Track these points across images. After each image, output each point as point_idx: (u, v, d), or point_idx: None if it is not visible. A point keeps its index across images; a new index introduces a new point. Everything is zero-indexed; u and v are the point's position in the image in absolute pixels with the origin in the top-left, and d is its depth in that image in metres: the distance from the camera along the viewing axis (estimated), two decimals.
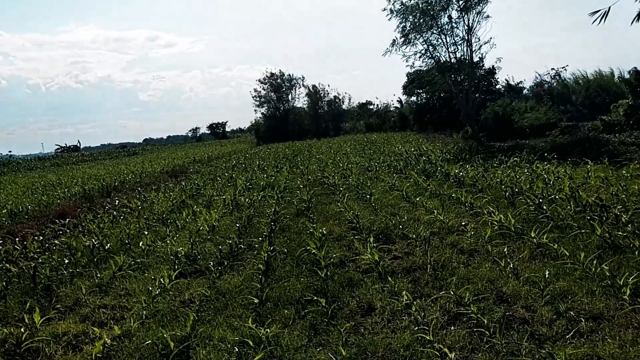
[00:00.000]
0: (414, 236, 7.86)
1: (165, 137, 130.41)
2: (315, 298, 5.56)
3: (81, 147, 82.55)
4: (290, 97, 58.64)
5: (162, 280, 6.64)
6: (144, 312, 5.74)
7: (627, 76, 28.39)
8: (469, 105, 25.88)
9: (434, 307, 5.20)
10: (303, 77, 59.91)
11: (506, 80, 44.44)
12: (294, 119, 57.60)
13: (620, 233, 6.58)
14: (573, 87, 41.64)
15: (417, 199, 10.74)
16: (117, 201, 14.74)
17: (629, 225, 6.89)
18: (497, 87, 42.68)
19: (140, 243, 8.78)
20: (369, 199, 11.27)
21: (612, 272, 5.25)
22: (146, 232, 9.78)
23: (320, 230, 8.32)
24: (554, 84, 44.90)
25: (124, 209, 13.25)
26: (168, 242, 9.03)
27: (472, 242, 7.37)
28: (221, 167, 24.88)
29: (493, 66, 37.78)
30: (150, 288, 6.33)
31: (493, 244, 7.12)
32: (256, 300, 5.79)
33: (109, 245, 8.91)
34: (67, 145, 79.02)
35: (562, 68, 44.30)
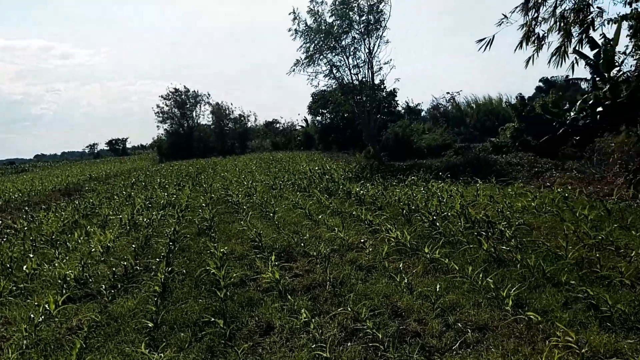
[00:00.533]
0: (315, 254, 7.93)
1: (59, 154, 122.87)
2: (214, 319, 5.44)
3: None
4: (194, 114, 57.52)
5: (47, 306, 6.19)
6: (25, 341, 5.31)
7: (513, 101, 30.84)
8: (370, 125, 26.74)
9: (332, 324, 5.26)
10: (208, 94, 59.17)
11: (406, 102, 46.63)
12: (198, 136, 56.45)
13: (504, 247, 7.05)
14: (466, 110, 44.46)
15: (320, 216, 10.87)
16: (0, 221, 13.62)
17: (512, 240, 7.42)
18: (398, 108, 44.59)
19: (24, 267, 8.15)
20: (272, 217, 11.24)
21: (496, 285, 5.60)
22: (32, 255, 9.11)
23: (222, 250, 8.17)
24: (449, 107, 47.69)
25: (8, 230, 12.28)
26: (56, 264, 8.45)
27: (370, 258, 7.56)
28: (119, 185, 23.81)
29: (394, 89, 39.56)
30: (32, 315, 5.87)
31: (390, 259, 7.34)
32: (151, 324, 5.55)
33: None
34: None
35: (456, 92, 47.18)
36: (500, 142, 25.06)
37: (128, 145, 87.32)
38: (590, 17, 7.83)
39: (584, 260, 6.36)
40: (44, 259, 8.99)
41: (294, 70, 26.57)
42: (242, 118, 59.05)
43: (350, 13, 25.20)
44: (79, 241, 10.42)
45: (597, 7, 7.71)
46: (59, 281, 7.32)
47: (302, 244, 8.59)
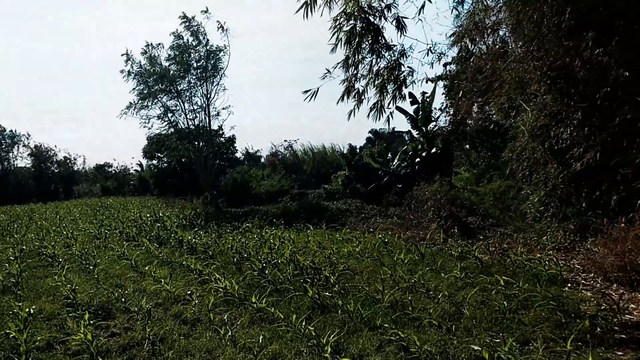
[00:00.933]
0: (137, 309, 7.42)
1: None
2: None
3: None
4: (11, 155, 51.86)
5: None
6: None
7: (345, 151, 32.82)
8: (207, 171, 26.46)
9: None
10: (28, 134, 53.69)
11: (246, 148, 47.15)
12: (15, 180, 50.82)
13: (327, 294, 7.25)
14: (303, 158, 46.16)
15: (147, 268, 10.27)
16: None
17: (336, 286, 7.67)
18: (237, 155, 44.86)
19: None
20: (92, 270, 10.34)
21: (317, 332, 5.69)
22: None
23: (27, 310, 7.25)
24: (287, 155, 49.18)
25: None
26: None
27: (196, 311, 7.27)
28: None
29: (233, 135, 39.66)
30: None
31: (217, 311, 7.13)
32: None
33: None
34: None
35: (294, 140, 48.85)
36: (333, 189, 26.30)
37: None
38: (402, 75, 8.62)
39: (398, 303, 6.78)
40: None
41: (126, 114, 25.56)
42: (68, 161, 54.68)
43: (187, 59, 25.16)
44: None
45: (408, 67, 8.52)
46: None
47: (124, 299, 7.99)
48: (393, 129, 39.67)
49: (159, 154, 42.15)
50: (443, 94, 22.35)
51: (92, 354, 5.80)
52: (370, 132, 63.55)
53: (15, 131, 52.06)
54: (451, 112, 20.69)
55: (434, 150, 22.87)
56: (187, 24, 25.11)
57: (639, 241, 7.11)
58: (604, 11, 8.56)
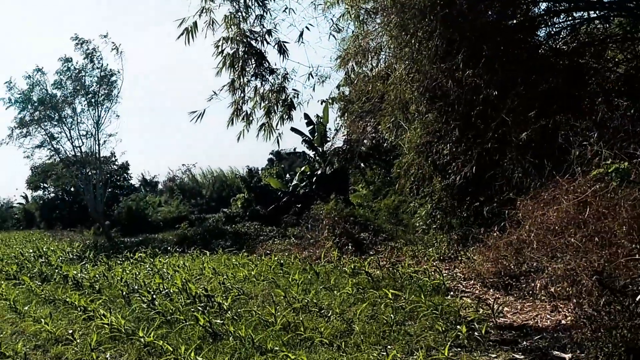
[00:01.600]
0: (13, 353, 6.84)
1: None
2: None
3: None
4: None
5: None
6: None
7: (244, 173, 32.60)
8: (97, 200, 25.15)
9: None
10: None
11: (142, 174, 45.37)
12: None
13: (218, 321, 7.10)
14: (202, 182, 45.20)
15: (26, 307, 9.51)
16: None
17: (229, 312, 7.54)
18: (132, 182, 43.04)
19: None
20: None
21: None
22: None
23: None
24: (185, 179, 47.96)
25: None
26: None
27: (78, 350, 6.82)
28: None
29: (126, 161, 38.03)
30: None
31: (101, 349, 6.74)
32: None
33: None
34: None
35: (192, 164, 47.74)
36: (233, 212, 25.96)
37: None
38: (289, 98, 8.78)
39: (290, 324, 6.78)
40: None
41: (6, 142, 23.85)
42: None
43: (77, 83, 23.97)
44: None
45: (293, 90, 8.70)
46: None
47: None
48: (294, 149, 39.98)
49: (44, 184, 39.52)
50: (337, 115, 22.95)
51: None
52: (271, 153, 63.62)
53: None
54: (345, 132, 21.29)
55: (330, 169, 23.34)
56: (80, 46, 23.95)
57: (510, 248, 7.65)
58: (471, 35, 9.24)
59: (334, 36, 9.99)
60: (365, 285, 8.56)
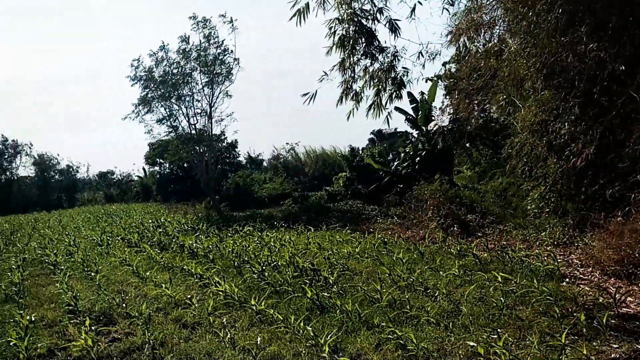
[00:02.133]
0: (137, 314, 7.46)
1: None
2: None
3: None
4: (14, 165, 52.03)
5: None
6: None
7: (346, 152, 32.85)
8: (209, 176, 26.53)
9: None
10: (31, 143, 53.85)
11: (247, 152, 47.19)
12: (18, 189, 50.99)
13: (326, 294, 7.27)
14: (305, 160, 46.19)
15: (148, 273, 10.32)
16: None
17: (335, 286, 7.70)
18: (239, 159, 44.92)
19: None
20: (94, 276, 10.40)
21: (315, 332, 5.72)
22: None
23: (28, 317, 7.30)
24: (289, 158, 49.22)
25: None
26: None
27: (196, 314, 7.31)
28: None
29: (235, 139, 39.68)
30: None
31: (216, 314, 7.17)
32: None
33: None
34: None
35: (296, 143, 48.81)
36: (335, 191, 26.31)
37: None
38: (398, 76, 8.68)
39: (396, 302, 6.80)
40: None
41: (130, 117, 25.75)
42: (71, 169, 54.86)
43: (193, 63, 25.21)
44: None
45: (403, 68, 8.58)
46: None
47: (125, 305, 8.03)
48: (395, 129, 39.63)
49: (160, 160, 42.31)
50: (443, 93, 22.35)
51: (93, 359, 5.84)
52: (372, 133, 63.43)
53: (17, 141, 52.26)
54: (452, 111, 20.71)
55: (434, 149, 22.85)
56: (197, 26, 24.98)
57: (635, 234, 7.12)
58: (596, 6, 8.57)
59: (447, 10, 9.66)
60: (473, 268, 8.37)
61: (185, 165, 37.19)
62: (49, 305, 8.64)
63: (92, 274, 10.63)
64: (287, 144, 49.96)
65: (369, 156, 26.47)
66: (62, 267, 11.69)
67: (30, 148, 52.82)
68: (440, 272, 8.21)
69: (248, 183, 32.07)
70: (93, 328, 6.81)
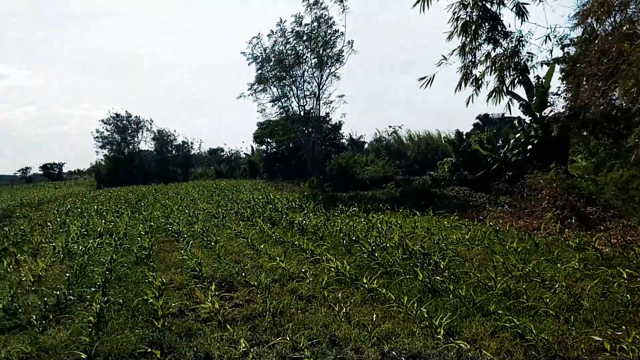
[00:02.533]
0: (256, 283, 7.95)
1: None
2: (150, 350, 5.37)
3: None
4: (136, 139, 56.35)
5: None
6: None
7: (452, 137, 32.10)
8: (315, 156, 27.15)
9: (271, 354, 5.31)
10: (151, 120, 58.04)
11: (350, 134, 47.55)
12: (139, 162, 55.21)
13: (438, 278, 7.33)
14: (407, 144, 45.73)
15: (262, 246, 10.91)
16: None
17: (446, 271, 7.72)
18: (342, 140, 45.41)
19: None
20: (214, 246, 11.18)
21: (429, 314, 5.83)
22: None
23: (160, 279, 8.06)
24: (391, 141, 48.97)
25: None
26: None
27: (310, 288, 7.66)
28: (54, 211, 22.91)
29: (339, 121, 40.13)
30: None
31: (330, 289, 7.48)
32: (84, 356, 5.41)
33: None
34: None
35: (399, 127, 48.44)
36: (439, 176, 25.92)
37: (64, 170, 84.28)
38: (522, 61, 8.43)
39: (511, 291, 6.71)
40: None
41: (244, 95, 26.89)
42: (186, 145, 58.40)
43: (304, 45, 25.75)
44: (8, 270, 9.97)
45: (528, 53, 8.29)
46: None
47: (243, 274, 8.59)
48: (502, 114, 38.10)
49: (268, 139, 43.81)
50: (560, 78, 21.08)
51: (220, 321, 6.36)
52: (478, 117, 61.35)
53: (139, 117, 56.43)
54: (569, 97, 19.54)
55: (548, 136, 21.74)
56: (310, 7, 25.40)
57: None
58: None
59: None
60: (594, 262, 8.01)
61: (291, 145, 38.25)
62: (175, 270, 9.44)
63: (212, 243, 11.42)
64: (390, 126, 49.79)
65: (477, 142, 25.73)
66: (185, 236, 12.66)
67: (150, 124, 56.93)
68: (558, 265, 7.95)
69: (350, 165, 32.39)
70: (216, 293, 7.41)
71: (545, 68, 21.39)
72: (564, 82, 20.47)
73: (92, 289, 8.11)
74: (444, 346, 5.17)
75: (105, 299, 7.46)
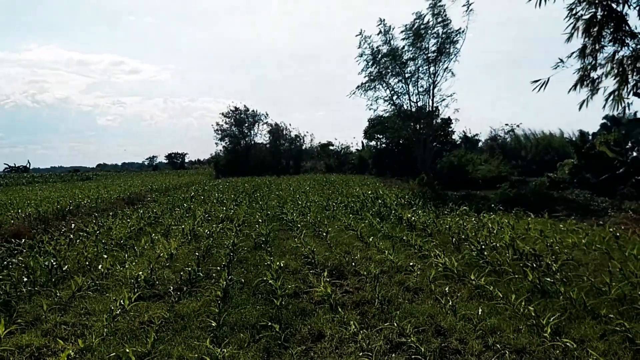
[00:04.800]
0: (365, 273, 8.36)
1: (120, 164, 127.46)
2: (270, 324, 5.97)
3: (30, 167, 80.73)
4: (252, 132, 59.27)
5: (121, 302, 6.91)
6: (105, 329, 6.01)
7: (575, 137, 30.35)
8: (425, 153, 27.02)
9: (379, 337, 5.68)
10: (266, 113, 60.77)
11: (463, 132, 46.50)
12: (254, 154, 58.02)
13: (549, 280, 7.27)
14: (525, 143, 43.81)
15: (371, 239, 11.29)
16: (72, 225, 14.75)
17: (558, 274, 7.63)
18: (453, 137, 44.50)
19: (99, 266, 8.99)
20: (325, 236, 11.77)
21: (537, 313, 5.89)
22: (105, 256, 9.96)
23: (277, 263, 8.75)
24: (507, 139, 47.18)
25: (81, 233, 13.29)
26: (127, 266, 9.25)
27: (417, 281, 7.93)
28: (179, 197, 24.97)
29: (449, 117, 39.47)
30: (112, 307, 6.61)
31: (437, 283, 7.70)
32: (214, 324, 6.14)
33: (67, 266, 9.09)
34: (16, 165, 77.19)
35: (516, 125, 46.55)
36: (558, 178, 24.75)
37: (186, 160, 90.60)
38: None
39: (626, 296, 6.53)
40: (116, 261, 9.80)
41: (354, 93, 27.34)
42: (298, 139, 60.35)
43: (419, 41, 25.65)
44: (145, 247, 11.24)
45: None
46: (131, 281, 8.07)
47: (353, 264, 9.05)
48: (634, 114, 35.21)
49: (378, 135, 44.10)
50: None
51: (332, 304, 6.85)
52: (605, 117, 57.01)
53: (256, 111, 59.23)
54: None
55: None
56: (432, 7, 25.35)
57: None
58: None
59: None
60: None
61: (401, 141, 38.23)
62: (290, 256, 10.12)
63: (323, 234, 12.02)
64: (507, 124, 47.95)
65: (603, 143, 24.13)
66: (298, 225, 13.39)
67: (266, 117, 59.57)
68: None
69: (463, 163, 31.76)
70: (328, 279, 7.92)
71: None
72: None
73: (218, 268, 8.98)
74: (549, 344, 5.24)
75: (229, 277, 8.26)
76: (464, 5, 24.40)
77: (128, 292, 7.29)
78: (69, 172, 77.55)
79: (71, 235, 12.46)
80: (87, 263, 9.47)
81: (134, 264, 9.54)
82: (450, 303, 6.53)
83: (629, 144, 23.38)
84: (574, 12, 7.55)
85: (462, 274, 8.05)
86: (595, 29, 7.54)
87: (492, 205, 16.82)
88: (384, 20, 26.39)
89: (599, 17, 7.46)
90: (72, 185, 40.62)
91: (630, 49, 7.70)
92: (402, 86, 26.76)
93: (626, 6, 7.36)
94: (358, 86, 27.43)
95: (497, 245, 9.78)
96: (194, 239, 12.25)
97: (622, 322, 5.50)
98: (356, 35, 26.84)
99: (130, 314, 6.70)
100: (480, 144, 48.73)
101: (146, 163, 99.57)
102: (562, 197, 19.17)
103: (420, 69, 26.23)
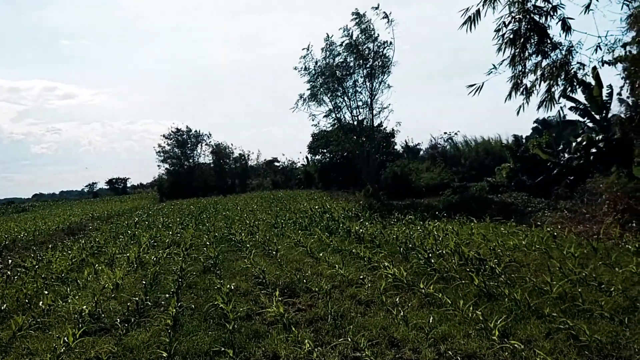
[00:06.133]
0: (317, 289, 8.37)
1: (57, 193, 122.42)
2: (223, 349, 5.88)
3: None
4: (195, 153, 58.41)
5: (65, 339, 6.62)
6: None
7: (509, 142, 31.55)
8: (369, 165, 27.42)
9: (334, 354, 5.69)
10: (210, 133, 60.08)
11: (405, 142, 47.56)
12: (199, 175, 57.13)
13: (493, 283, 7.52)
14: (464, 150, 45.17)
15: (321, 254, 11.33)
16: (9, 260, 14.03)
17: (502, 276, 7.89)
18: (396, 148, 45.41)
19: (40, 302, 8.58)
20: (274, 255, 11.71)
21: (484, 317, 6.07)
22: (46, 292, 9.53)
23: (228, 286, 8.62)
24: (447, 147, 48.51)
25: (19, 269, 12.66)
26: (70, 301, 8.88)
27: (369, 293, 8.01)
28: (122, 224, 24.24)
29: (393, 129, 40.20)
30: (55, 345, 6.32)
31: (387, 294, 7.80)
32: (165, 354, 5.98)
33: (5, 305, 8.67)
34: None
35: (454, 133, 47.99)
36: (497, 182, 25.63)
37: (128, 185, 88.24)
38: (572, 70, 8.52)
39: (567, 294, 6.83)
40: (58, 296, 9.39)
41: (297, 108, 27.55)
42: (243, 157, 59.97)
43: (354, 57, 26.21)
44: (89, 279, 10.83)
45: (578, 63, 8.38)
46: (75, 316, 7.75)
47: (304, 280, 9.05)
48: (564, 116, 37.10)
49: (322, 150, 44.40)
50: (622, 77, 20.49)
51: (285, 324, 6.81)
52: (536, 121, 59.68)
53: (199, 131, 58.46)
54: (631, 97, 19.02)
55: (610, 139, 21.15)
56: (357, 20, 25.94)
57: None
58: None
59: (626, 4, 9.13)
60: None
61: (345, 154, 38.63)
62: (240, 277, 10.00)
63: (273, 252, 11.96)
64: (445, 132, 49.35)
65: (536, 146, 25.26)
66: (247, 245, 13.27)
67: (208, 138, 58.87)
68: (616, 269, 7.95)
69: (406, 172, 32.39)
70: (280, 299, 7.88)
71: (606, 68, 20.86)
72: (627, 81, 19.93)
73: (167, 295, 8.76)
74: (498, 346, 5.40)
75: (179, 304, 8.07)
76: (383, 18, 25.19)
77: (72, 328, 6.98)
78: (3, 204, 73.84)
79: (8, 272, 11.85)
80: (27, 300, 9.02)
81: (77, 297, 9.16)
82: (402, 313, 6.63)
83: (561, 146, 24.54)
84: (500, 32, 7.94)
85: (411, 283, 8.20)
86: (520, 41, 7.94)
87: (437, 212, 17.23)
88: (331, 36, 26.81)
89: (523, 30, 7.86)
90: (6, 218, 38.77)
91: (551, 59, 8.14)
92: (342, 100, 27.22)
93: (549, 19, 7.78)
94: (297, 101, 27.72)
95: (443, 252, 10.03)
96: (140, 267, 11.90)
97: (565, 320, 5.75)
98: (303, 49, 27.21)
99: (75, 351, 6.43)
100: (421, 152, 49.95)
101: (86, 190, 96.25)
102: (501, 201, 19.87)
103: (357, 83, 26.78)
